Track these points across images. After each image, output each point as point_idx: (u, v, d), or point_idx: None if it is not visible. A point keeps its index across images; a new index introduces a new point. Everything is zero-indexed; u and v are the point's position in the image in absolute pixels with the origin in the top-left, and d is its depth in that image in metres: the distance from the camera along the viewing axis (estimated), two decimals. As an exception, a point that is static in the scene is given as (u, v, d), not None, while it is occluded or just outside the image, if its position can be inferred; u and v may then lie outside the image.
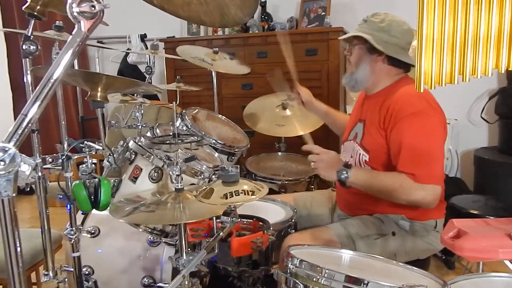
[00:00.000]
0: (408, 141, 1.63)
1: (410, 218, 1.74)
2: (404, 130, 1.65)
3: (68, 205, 1.42)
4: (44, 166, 1.51)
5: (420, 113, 1.65)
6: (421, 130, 1.64)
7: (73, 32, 0.77)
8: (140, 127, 2.07)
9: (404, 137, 1.64)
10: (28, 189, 1.46)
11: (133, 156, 1.71)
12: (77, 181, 1.26)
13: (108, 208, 1.31)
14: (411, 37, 1.70)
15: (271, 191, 2.36)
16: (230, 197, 1.26)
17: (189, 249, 1.35)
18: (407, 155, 1.63)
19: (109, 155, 1.71)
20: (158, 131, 2.07)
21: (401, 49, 1.73)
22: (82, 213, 1.82)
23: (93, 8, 0.75)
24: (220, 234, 1.37)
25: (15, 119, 0.75)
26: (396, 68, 1.80)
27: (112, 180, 1.62)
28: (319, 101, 2.28)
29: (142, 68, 4.38)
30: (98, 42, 4.44)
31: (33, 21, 1.43)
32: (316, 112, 2.30)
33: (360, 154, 1.80)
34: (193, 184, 1.69)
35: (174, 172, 1.36)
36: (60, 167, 1.42)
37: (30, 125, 0.75)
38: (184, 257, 1.31)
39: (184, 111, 2.31)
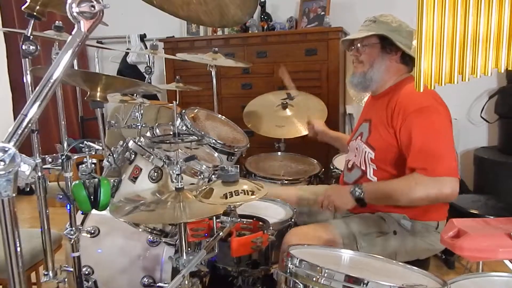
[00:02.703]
0: (417, 136, 1.65)
1: (412, 218, 1.74)
2: (412, 126, 1.66)
3: (68, 205, 1.41)
4: (44, 166, 1.51)
5: (427, 109, 1.67)
6: (429, 125, 1.65)
7: (73, 32, 0.77)
8: (139, 127, 2.07)
9: (413, 133, 1.65)
10: (28, 189, 1.45)
11: (133, 156, 1.71)
12: (77, 181, 1.26)
13: (108, 207, 1.31)
14: (413, 38, 1.79)
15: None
16: (230, 197, 1.26)
17: (189, 249, 1.35)
18: (417, 150, 1.64)
19: (109, 155, 1.71)
20: (157, 131, 2.07)
21: (408, 48, 1.79)
22: (82, 213, 1.82)
23: (92, 8, 0.75)
24: (220, 234, 1.38)
25: (15, 119, 0.75)
26: (406, 66, 1.84)
27: (112, 180, 1.62)
28: (332, 130, 2.42)
29: (142, 68, 4.38)
30: (97, 42, 4.45)
31: (32, 21, 1.43)
32: (328, 140, 2.41)
33: (366, 152, 1.82)
34: (193, 184, 1.69)
35: (174, 171, 1.36)
36: (60, 167, 1.42)
37: (30, 125, 0.75)
38: (184, 257, 1.31)
39: (183, 111, 2.31)
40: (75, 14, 0.75)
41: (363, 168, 1.83)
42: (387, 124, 1.74)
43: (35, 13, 1.43)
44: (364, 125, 1.88)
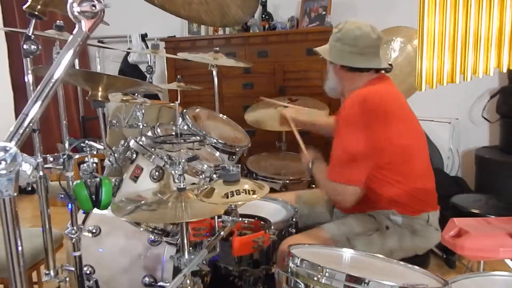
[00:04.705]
0: (334, 140, 1.75)
1: (401, 213, 1.76)
2: (336, 129, 1.76)
3: (69, 205, 1.42)
4: (45, 166, 1.51)
5: (348, 116, 1.71)
6: (344, 132, 1.72)
7: (74, 32, 0.77)
8: (141, 126, 2.07)
9: (335, 136, 1.75)
10: (29, 188, 1.46)
11: (134, 155, 1.71)
12: (78, 181, 1.26)
13: (109, 207, 1.31)
14: (367, 41, 1.78)
15: (272, 191, 2.36)
16: (231, 197, 1.26)
17: (190, 248, 1.35)
18: (332, 154, 1.74)
19: (110, 154, 1.71)
20: (159, 130, 2.07)
21: (356, 55, 1.79)
22: (83, 213, 1.83)
23: (93, 8, 0.75)
24: (222, 233, 1.38)
25: (16, 118, 0.75)
26: (359, 73, 1.83)
27: (113, 180, 1.62)
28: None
29: (143, 67, 4.38)
30: (98, 41, 4.44)
31: (33, 21, 1.43)
32: (316, 129, 2.48)
33: None
34: (194, 183, 1.69)
35: (176, 172, 1.36)
36: (61, 167, 1.42)
37: (31, 124, 0.75)
38: (186, 256, 1.31)
39: (185, 110, 2.31)
40: (76, 13, 0.75)
41: None
42: None
43: (36, 13, 1.43)
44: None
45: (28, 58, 1.45)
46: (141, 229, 1.71)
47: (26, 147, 0.80)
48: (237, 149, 2.27)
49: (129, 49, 4.36)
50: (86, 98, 1.30)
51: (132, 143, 1.75)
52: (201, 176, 1.73)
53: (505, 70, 0.96)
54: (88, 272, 1.76)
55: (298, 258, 1.15)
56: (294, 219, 1.84)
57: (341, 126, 1.74)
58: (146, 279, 1.72)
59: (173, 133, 1.88)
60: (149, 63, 2.33)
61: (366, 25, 1.80)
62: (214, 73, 2.70)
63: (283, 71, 3.61)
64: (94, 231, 1.80)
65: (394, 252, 1.72)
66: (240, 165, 1.33)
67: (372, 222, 1.77)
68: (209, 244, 1.34)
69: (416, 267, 1.24)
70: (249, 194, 1.27)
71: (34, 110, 0.75)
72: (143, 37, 4.40)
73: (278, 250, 1.65)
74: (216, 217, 1.43)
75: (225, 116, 2.60)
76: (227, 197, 1.26)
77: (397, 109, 1.76)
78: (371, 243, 1.72)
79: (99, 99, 1.25)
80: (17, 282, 0.78)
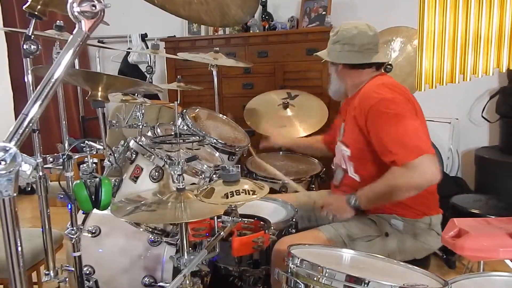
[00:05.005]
0: (378, 132, 1.67)
1: (402, 216, 1.75)
2: (372, 123, 1.70)
3: (69, 205, 1.42)
4: (45, 166, 1.51)
5: (381, 102, 1.69)
6: (385, 116, 1.67)
7: (74, 32, 0.77)
8: (141, 126, 2.07)
9: (375, 130, 1.69)
10: (29, 188, 1.46)
11: (134, 155, 1.71)
12: (78, 181, 1.26)
13: (109, 207, 1.31)
14: (365, 39, 1.81)
15: (272, 191, 2.36)
16: (231, 197, 1.26)
17: (190, 248, 1.35)
18: (383, 145, 1.66)
19: (110, 154, 1.71)
20: (159, 130, 2.07)
21: (356, 53, 1.82)
22: (83, 213, 1.83)
23: (93, 8, 0.75)
24: (221, 233, 1.37)
25: (16, 118, 0.75)
26: (361, 70, 1.86)
27: (113, 180, 1.62)
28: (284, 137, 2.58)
29: (143, 67, 4.38)
30: (98, 41, 4.44)
31: (33, 21, 1.43)
32: (301, 150, 2.60)
33: (342, 150, 1.87)
34: (194, 183, 1.69)
35: (175, 172, 1.36)
36: (61, 167, 1.42)
37: (31, 124, 0.75)
38: (185, 257, 1.31)
39: (185, 110, 2.31)
40: (76, 13, 0.75)
41: (344, 167, 1.88)
42: (355, 123, 1.78)
43: (36, 13, 1.43)
44: (342, 125, 1.94)
45: (28, 58, 1.45)
46: (141, 229, 1.71)
47: (26, 147, 0.80)
48: (237, 149, 2.27)
49: (129, 49, 4.36)
50: (86, 98, 1.30)
51: (132, 143, 1.75)
52: (200, 176, 1.73)
53: (505, 70, 0.96)
54: (88, 272, 1.76)
55: (298, 258, 1.15)
56: (294, 219, 1.83)
57: (379, 111, 1.68)
58: (146, 279, 1.72)
59: (173, 133, 1.88)
60: (149, 63, 2.33)
61: (361, 24, 1.84)
62: (214, 73, 2.70)
63: (283, 71, 3.61)
64: (94, 231, 1.80)
65: (392, 256, 1.70)
66: (240, 165, 1.33)
67: (371, 228, 1.76)
68: (209, 244, 1.34)
69: (416, 267, 1.24)
70: (249, 194, 1.27)
71: (34, 110, 0.75)
72: (143, 37, 4.40)
73: (273, 250, 1.64)
74: (215, 217, 1.43)
75: (225, 116, 2.60)
76: (227, 197, 1.26)
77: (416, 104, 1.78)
78: (367, 248, 1.70)
79: (99, 99, 1.26)
80: (17, 283, 0.78)
